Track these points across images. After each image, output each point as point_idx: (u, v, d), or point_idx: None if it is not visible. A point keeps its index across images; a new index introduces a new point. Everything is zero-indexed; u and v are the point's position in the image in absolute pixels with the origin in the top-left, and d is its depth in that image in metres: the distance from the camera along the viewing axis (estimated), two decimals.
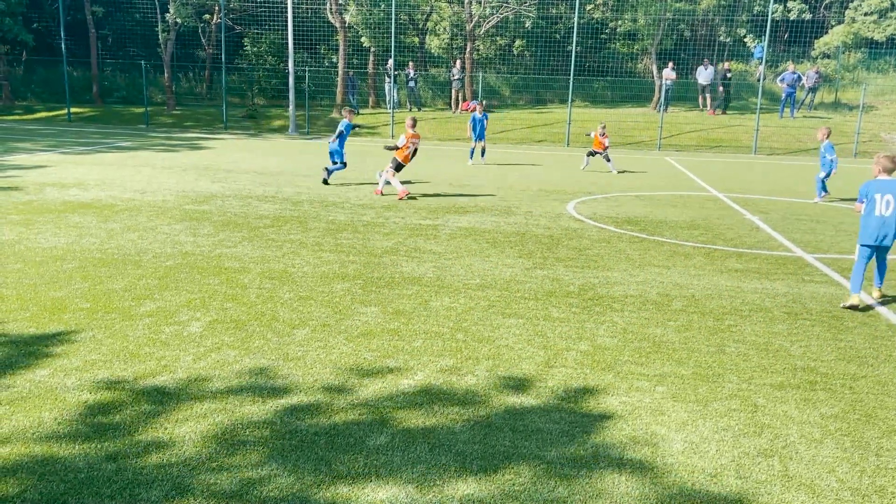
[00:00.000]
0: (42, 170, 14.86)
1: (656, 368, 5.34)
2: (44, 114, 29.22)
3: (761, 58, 27.12)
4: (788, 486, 3.82)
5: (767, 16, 25.01)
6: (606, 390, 4.93)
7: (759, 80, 26.56)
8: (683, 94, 30.25)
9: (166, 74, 29.47)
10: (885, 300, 7.27)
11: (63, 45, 27.93)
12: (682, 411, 4.65)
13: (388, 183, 13.17)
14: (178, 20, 27.77)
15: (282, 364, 5.20)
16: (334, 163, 14.33)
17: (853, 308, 6.91)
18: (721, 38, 33.59)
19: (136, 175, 14.59)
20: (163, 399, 4.59)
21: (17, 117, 28.42)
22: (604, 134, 17.97)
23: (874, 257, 7.14)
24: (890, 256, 7.51)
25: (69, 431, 4.15)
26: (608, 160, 17.89)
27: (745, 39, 34.60)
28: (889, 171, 7.00)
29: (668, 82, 27.67)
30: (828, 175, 13.92)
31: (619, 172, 17.80)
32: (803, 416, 4.64)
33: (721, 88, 28.22)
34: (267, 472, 3.79)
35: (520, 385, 4.98)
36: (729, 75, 28.22)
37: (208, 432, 4.18)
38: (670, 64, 27.82)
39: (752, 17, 31.96)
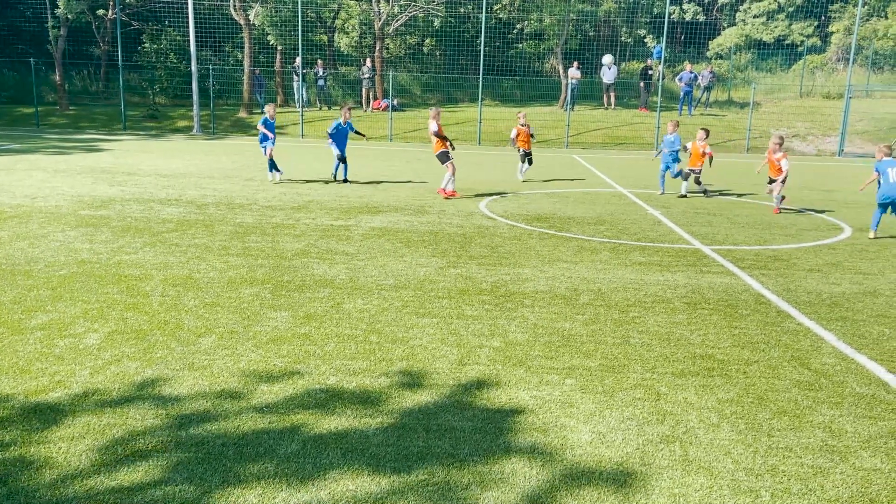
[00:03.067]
0: None
1: (565, 361, 5.47)
2: None
3: (660, 57, 28.25)
4: (689, 469, 3.99)
5: (665, 17, 26.07)
6: (518, 385, 5.02)
7: (658, 80, 27.66)
8: (589, 92, 31.14)
9: (58, 72, 27.93)
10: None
11: None
12: (589, 402, 4.78)
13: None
14: (69, 15, 26.36)
15: (186, 374, 5.02)
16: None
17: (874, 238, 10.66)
18: (623, 38, 34.79)
19: (26, 179, 13.76)
20: (56, 416, 4.34)
21: None
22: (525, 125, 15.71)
23: (888, 210, 10.62)
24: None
25: None
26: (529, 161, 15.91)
27: (646, 40, 35.98)
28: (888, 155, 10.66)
29: (574, 81, 28.42)
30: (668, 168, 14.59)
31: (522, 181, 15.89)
32: (702, 401, 4.86)
33: (642, 84, 29.09)
34: (171, 487, 3.65)
35: (433, 384, 5.00)
36: (650, 72, 29.09)
37: (106, 449, 3.98)
38: (575, 63, 28.57)
39: (651, 19, 33.27)
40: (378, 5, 28.95)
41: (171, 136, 24.97)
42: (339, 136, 14.68)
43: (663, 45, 26.89)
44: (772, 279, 8.10)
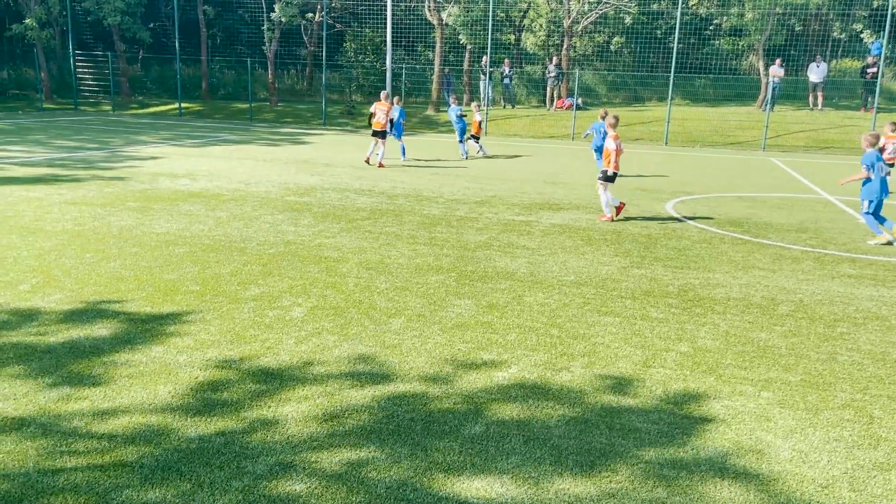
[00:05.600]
0: (156, 161, 15.74)
1: (761, 373, 5.12)
2: (156, 108, 30.93)
3: (879, 54, 25.48)
4: None
5: (888, 10, 23.48)
6: (708, 393, 4.78)
7: (875, 78, 24.97)
8: (792, 92, 28.84)
9: (270, 72, 30.58)
10: None
11: (177, 44, 29.46)
12: (789, 419, 4.44)
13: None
14: (283, 19, 28.76)
15: (379, 351, 5.31)
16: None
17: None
18: (835, 33, 31.81)
19: (240, 167, 15.23)
20: (267, 379, 4.77)
21: (133, 111, 30.22)
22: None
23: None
24: None
25: (182, 405, 4.38)
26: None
27: (862, 35, 32.62)
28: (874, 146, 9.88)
29: (776, 80, 26.43)
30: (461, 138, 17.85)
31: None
32: None
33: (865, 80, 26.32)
34: (366, 454, 3.88)
35: (616, 384, 4.89)
36: (872, 69, 26.25)
37: (310, 413, 4.32)
38: (777, 61, 26.56)
39: (871, 12, 30.08)
40: (569, 3, 28.73)
41: (364, 131, 26.44)
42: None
43: (884, 40, 24.23)
44: None
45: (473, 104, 20.35)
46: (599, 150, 15.59)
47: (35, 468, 3.64)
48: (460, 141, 18.61)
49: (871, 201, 9.69)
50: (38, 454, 3.77)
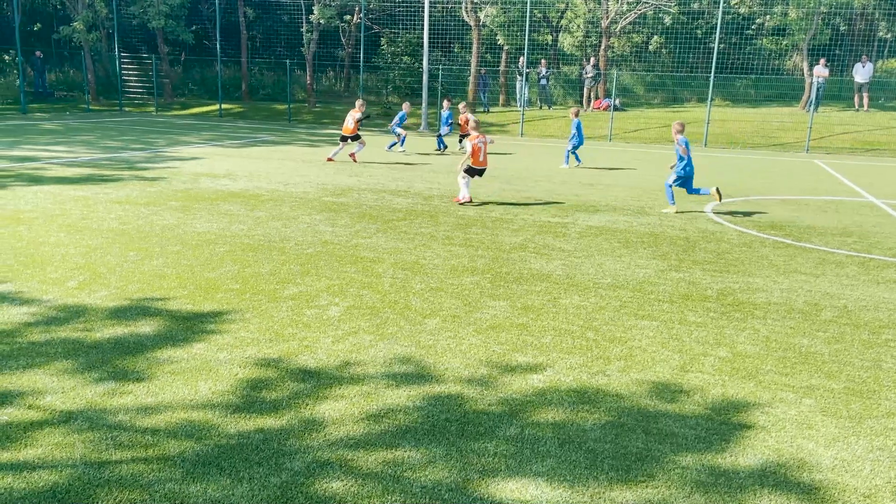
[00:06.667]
0: (197, 161, 16.04)
1: (803, 380, 5.03)
2: (198, 109, 31.49)
3: None
4: None
5: None
6: (747, 399, 4.71)
7: None
8: (837, 92, 28.21)
9: (308, 73, 30.92)
10: None
11: (218, 46, 29.97)
12: (832, 426, 4.36)
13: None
14: (322, 21, 29.06)
15: (415, 351, 5.35)
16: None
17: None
18: (881, 33, 31.00)
19: (279, 168, 15.44)
20: (305, 378, 4.84)
21: (175, 112, 30.82)
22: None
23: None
24: None
25: (222, 402, 4.47)
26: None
27: None
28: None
29: (820, 80, 25.87)
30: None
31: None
32: None
33: None
34: (402, 454, 3.92)
35: (653, 388, 4.85)
36: None
37: (347, 412, 4.37)
38: (822, 61, 26.00)
39: None
40: (607, 3, 28.50)
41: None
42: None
43: None
44: None
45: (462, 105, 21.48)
46: (576, 147, 17.21)
47: (82, 460, 3.76)
48: (440, 136, 20.34)
49: (679, 176, 11.49)
50: (84, 447, 3.89)
